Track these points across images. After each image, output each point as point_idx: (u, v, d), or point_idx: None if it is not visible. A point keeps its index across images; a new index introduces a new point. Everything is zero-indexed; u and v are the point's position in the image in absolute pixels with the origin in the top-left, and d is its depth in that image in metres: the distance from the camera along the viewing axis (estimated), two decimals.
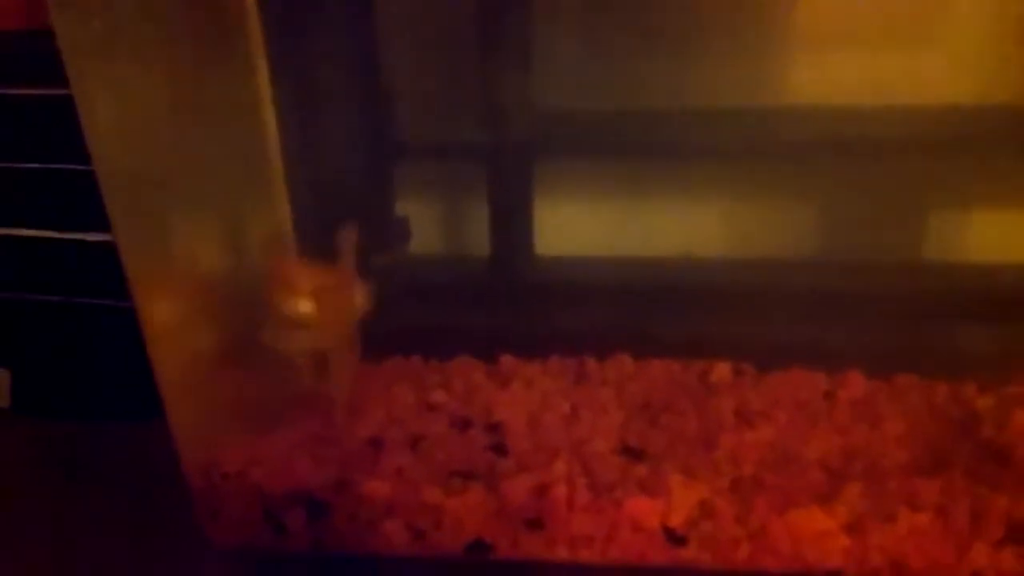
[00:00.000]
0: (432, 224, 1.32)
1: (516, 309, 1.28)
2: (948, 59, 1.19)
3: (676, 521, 0.80)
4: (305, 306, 0.84)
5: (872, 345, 1.16)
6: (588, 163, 1.30)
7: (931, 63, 1.19)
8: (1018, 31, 1.15)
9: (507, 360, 1.12)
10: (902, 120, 1.19)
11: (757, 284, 1.26)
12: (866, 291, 1.22)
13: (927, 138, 1.18)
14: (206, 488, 0.83)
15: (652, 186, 1.31)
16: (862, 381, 1.08)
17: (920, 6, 1.18)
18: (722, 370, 1.12)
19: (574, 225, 1.32)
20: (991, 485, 0.86)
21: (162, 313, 0.82)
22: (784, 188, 1.28)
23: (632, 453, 0.92)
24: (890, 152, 1.19)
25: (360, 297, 0.90)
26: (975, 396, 1.02)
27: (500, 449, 0.88)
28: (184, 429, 0.82)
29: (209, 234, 0.96)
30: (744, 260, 1.30)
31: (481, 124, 1.23)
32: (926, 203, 1.26)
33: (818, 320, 1.18)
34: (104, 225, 0.81)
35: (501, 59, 1.21)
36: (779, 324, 1.20)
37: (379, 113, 1.23)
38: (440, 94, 1.26)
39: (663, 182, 1.31)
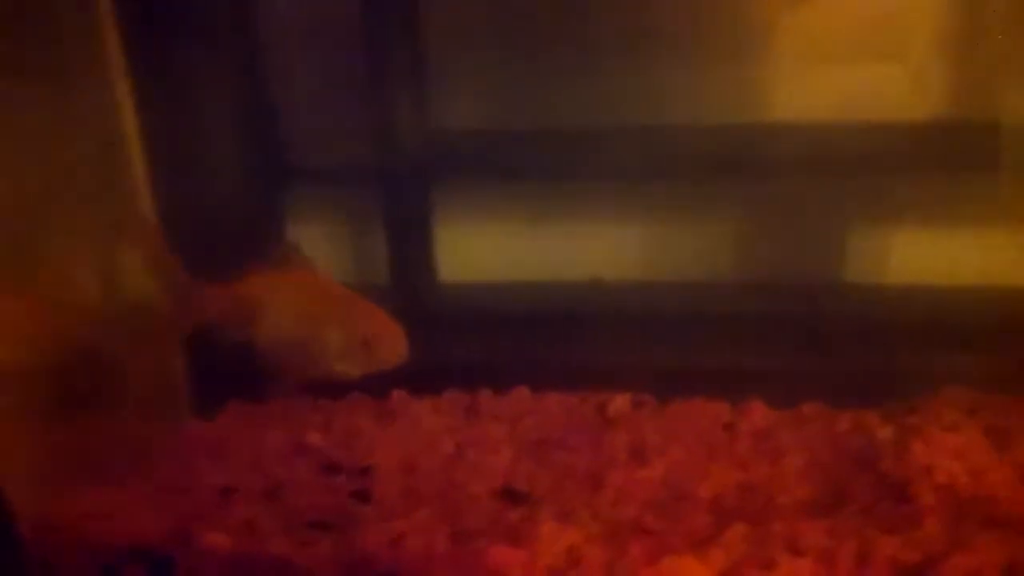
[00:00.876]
0: (327, 252, 1.26)
1: (415, 340, 1.23)
2: (860, 74, 1.16)
3: (538, 571, 0.74)
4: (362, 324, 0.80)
5: (783, 371, 1.12)
6: (491, 186, 1.25)
7: (847, 78, 1.16)
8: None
9: (398, 396, 1.07)
10: (816, 138, 1.15)
11: (668, 308, 1.21)
12: (778, 314, 1.18)
13: (842, 155, 1.14)
14: (38, 542, 0.77)
15: (559, 209, 1.26)
16: (764, 411, 1.04)
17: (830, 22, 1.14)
18: (620, 402, 1.07)
19: (477, 251, 1.27)
20: (883, 525, 0.82)
21: None
22: (694, 208, 1.24)
23: (512, 496, 0.87)
24: (803, 170, 1.16)
25: None
26: (877, 425, 0.98)
27: (364, 496, 0.83)
28: (13, 480, 0.75)
29: (53, 273, 0.90)
30: (656, 283, 1.26)
31: (376, 146, 1.18)
32: (841, 223, 1.22)
33: (728, 345, 1.14)
34: None
35: (395, 77, 1.16)
36: (689, 350, 1.16)
37: (264, 135, 1.17)
38: (331, 114, 1.20)
39: (570, 204, 1.27)
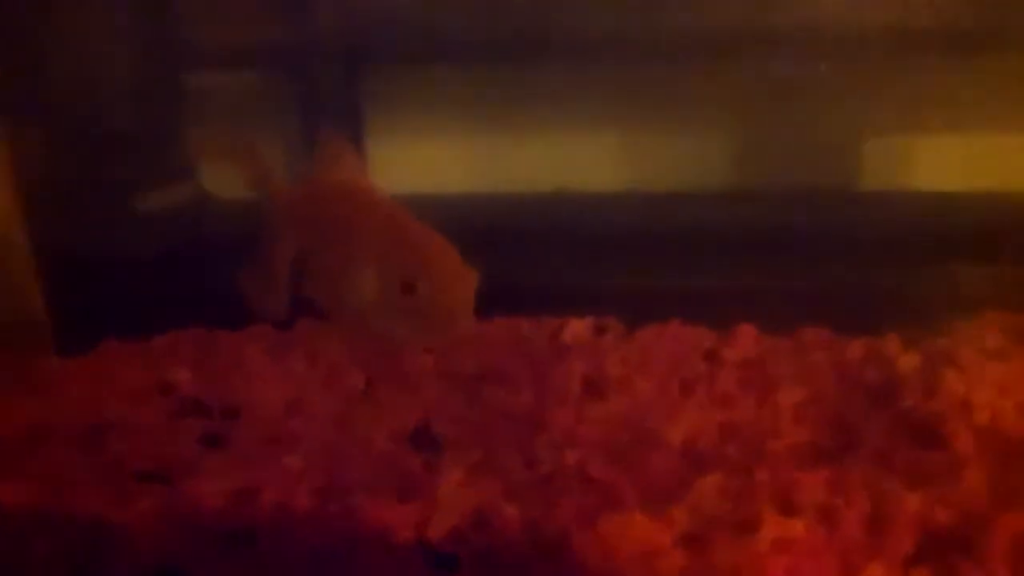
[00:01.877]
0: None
1: None
2: None
3: (438, 534, 0.55)
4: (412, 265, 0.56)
5: (780, 291, 0.91)
6: (429, 72, 1.04)
7: None
8: None
9: (304, 326, 0.87)
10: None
11: (641, 223, 1.00)
12: (773, 227, 0.97)
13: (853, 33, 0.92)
14: None
15: (517, 104, 1.05)
16: (755, 337, 0.84)
17: None
18: (579, 328, 0.87)
19: (415, 156, 1.06)
20: (907, 477, 0.61)
21: None
22: (682, 104, 1.03)
23: (422, 441, 0.67)
24: (808, 50, 0.94)
25: None
26: (897, 353, 0.77)
27: (215, 441, 0.63)
28: None
29: None
30: (628, 194, 1.05)
31: (289, 23, 0.98)
32: (841, 125, 1.01)
33: (713, 263, 0.94)
34: None
35: None
36: (666, 269, 0.95)
37: (148, 8, 0.96)
38: None
39: (531, 99, 1.05)
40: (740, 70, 0.99)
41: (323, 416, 0.69)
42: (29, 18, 0.87)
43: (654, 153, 1.04)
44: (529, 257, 0.97)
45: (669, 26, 0.97)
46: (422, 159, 1.05)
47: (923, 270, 0.90)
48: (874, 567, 0.54)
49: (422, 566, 0.55)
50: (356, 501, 0.55)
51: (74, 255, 0.84)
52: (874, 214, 0.97)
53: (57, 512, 0.57)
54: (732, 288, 0.93)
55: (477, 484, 0.59)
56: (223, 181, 1.04)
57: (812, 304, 0.89)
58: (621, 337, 0.86)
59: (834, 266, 0.92)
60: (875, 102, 1.00)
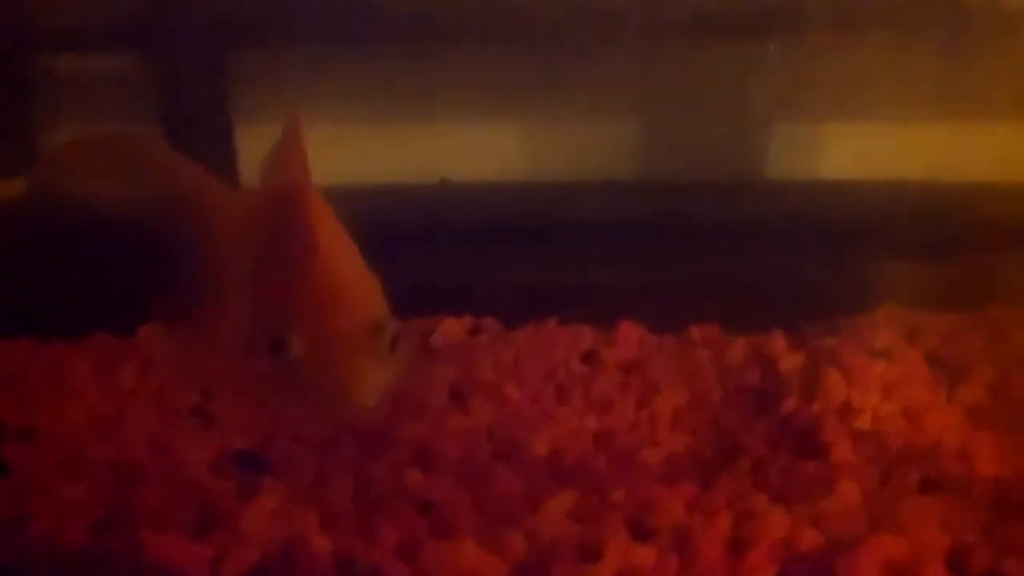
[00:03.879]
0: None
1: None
2: None
3: (234, 572, 0.47)
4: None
5: (667, 287, 0.85)
6: (303, 56, 0.96)
7: None
8: None
9: (145, 331, 0.78)
10: None
11: (520, 215, 0.94)
12: (668, 218, 0.91)
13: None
14: None
15: (397, 88, 0.97)
16: (639, 336, 0.78)
17: None
18: (451, 328, 0.80)
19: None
20: (778, 490, 0.56)
21: None
22: (571, 90, 0.96)
23: (249, 466, 0.59)
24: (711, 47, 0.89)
25: None
26: (781, 353, 0.72)
27: None
28: None
29: None
30: (508, 185, 0.98)
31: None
32: (733, 113, 0.95)
33: (598, 258, 0.87)
34: None
35: None
36: (552, 264, 0.89)
37: None
38: None
39: (412, 83, 0.97)
40: (635, 58, 0.93)
41: (135, 438, 0.61)
42: None
43: (536, 143, 0.97)
44: (407, 253, 0.90)
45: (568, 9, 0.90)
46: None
47: (820, 263, 0.85)
48: None
49: None
50: (139, 536, 0.48)
51: None
52: (770, 205, 0.92)
53: None
54: (621, 284, 0.87)
55: (292, 513, 0.51)
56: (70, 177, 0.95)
57: (705, 300, 0.84)
58: (496, 338, 0.80)
59: (727, 260, 0.86)
60: (769, 89, 0.95)
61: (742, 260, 0.87)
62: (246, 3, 0.93)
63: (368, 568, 0.48)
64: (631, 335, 0.78)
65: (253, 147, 0.95)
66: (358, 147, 1.00)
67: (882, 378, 0.65)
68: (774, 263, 0.87)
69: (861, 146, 0.95)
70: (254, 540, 0.49)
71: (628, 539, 0.50)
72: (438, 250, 0.90)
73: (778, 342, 0.74)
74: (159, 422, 0.63)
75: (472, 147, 0.98)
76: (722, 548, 0.50)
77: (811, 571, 0.49)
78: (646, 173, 0.98)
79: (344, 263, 0.45)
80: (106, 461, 0.56)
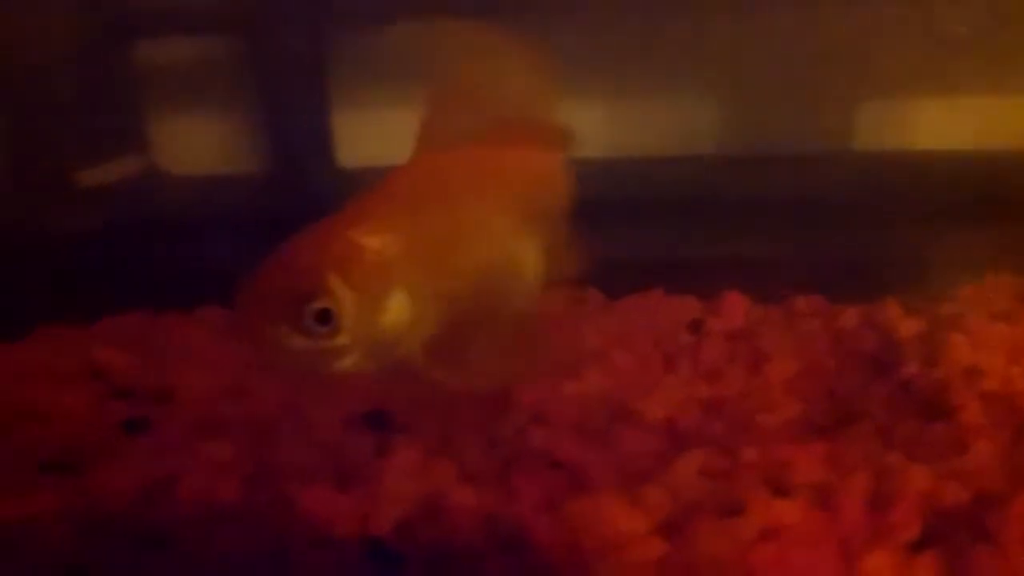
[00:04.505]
0: (188, 129, 0.98)
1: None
2: None
3: (383, 528, 0.48)
4: None
5: (770, 258, 0.85)
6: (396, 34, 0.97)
7: None
8: None
9: None
10: None
11: (621, 188, 0.93)
12: (765, 191, 0.90)
13: None
14: None
15: None
16: (744, 306, 0.77)
17: None
18: (553, 298, 0.80)
19: (386, 126, 0.99)
20: (910, 450, 0.55)
21: None
22: (660, 65, 0.96)
23: (375, 422, 0.60)
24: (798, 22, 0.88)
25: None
26: (897, 320, 0.71)
27: (139, 425, 0.56)
28: None
29: None
30: (606, 160, 0.98)
31: None
32: (835, 86, 0.94)
33: (701, 231, 0.87)
34: None
35: None
36: (646, 237, 0.88)
37: None
38: None
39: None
40: (729, 29, 0.93)
41: (266, 400, 0.62)
42: None
43: (640, 119, 0.97)
44: None
45: None
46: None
47: (922, 233, 0.83)
48: (876, 555, 0.48)
49: (363, 564, 0.48)
50: (289, 490, 0.49)
51: (11, 234, 0.78)
52: (870, 176, 0.91)
53: None
54: (720, 256, 0.86)
55: (430, 469, 0.52)
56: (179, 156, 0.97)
57: (805, 272, 0.83)
58: (600, 307, 0.80)
59: (828, 232, 0.85)
60: (864, 62, 0.93)
61: (840, 233, 0.86)
62: None
63: (513, 521, 0.48)
64: (737, 305, 0.77)
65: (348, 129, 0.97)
66: None
67: (1007, 341, 0.64)
68: (872, 235, 0.86)
69: (955, 117, 0.94)
70: (396, 495, 0.50)
71: (768, 495, 0.50)
72: None
73: (892, 310, 0.72)
74: (286, 386, 0.64)
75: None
76: (864, 503, 0.50)
77: (957, 526, 0.48)
78: (741, 148, 0.97)
79: None
80: (242, 421, 0.57)
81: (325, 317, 0.38)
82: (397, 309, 0.40)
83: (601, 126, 1.00)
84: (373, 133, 0.98)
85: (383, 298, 0.39)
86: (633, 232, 0.88)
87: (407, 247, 0.40)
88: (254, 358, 0.43)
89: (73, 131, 0.90)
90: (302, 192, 0.98)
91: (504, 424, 0.61)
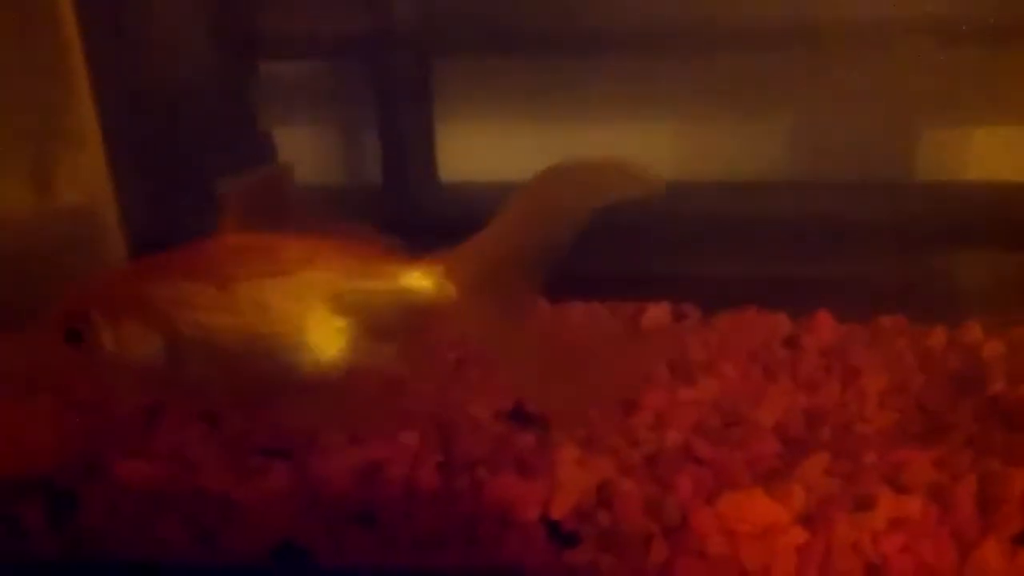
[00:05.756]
0: (306, 142, 1.06)
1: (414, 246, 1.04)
2: None
3: (562, 512, 0.56)
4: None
5: (851, 280, 0.92)
6: (504, 62, 1.05)
7: None
8: None
9: None
10: None
11: (713, 210, 1.01)
12: (847, 215, 0.97)
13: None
14: None
15: (583, 92, 1.06)
16: (832, 324, 0.85)
17: None
18: (657, 313, 0.88)
19: (488, 144, 1.07)
20: (1005, 458, 0.62)
21: None
22: (749, 92, 1.03)
23: (522, 418, 0.68)
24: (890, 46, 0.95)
25: None
26: (981, 341, 0.78)
27: None
28: None
29: None
30: (697, 183, 1.06)
31: (365, 14, 0.98)
32: (922, 112, 1.01)
33: (787, 252, 0.95)
34: None
35: None
36: (738, 257, 0.96)
37: (231, 3, 0.97)
38: None
39: (597, 88, 1.06)
40: (803, 62, 1.00)
41: (421, 392, 0.70)
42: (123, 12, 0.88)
43: (724, 142, 1.04)
44: (601, 244, 0.98)
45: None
46: (498, 149, 1.06)
47: (994, 259, 0.91)
48: (986, 545, 0.55)
49: (546, 543, 0.56)
50: (481, 477, 0.57)
51: (165, 240, 0.86)
52: (939, 204, 0.98)
53: (182, 488, 0.58)
54: (801, 277, 0.93)
55: (592, 462, 0.60)
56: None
57: (880, 293, 0.90)
58: (699, 323, 0.88)
59: (905, 256, 0.92)
60: (939, 92, 1.00)
61: (912, 257, 0.94)
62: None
63: (678, 508, 0.56)
64: (827, 323, 0.85)
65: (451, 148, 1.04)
66: (546, 146, 1.08)
67: None
68: (947, 260, 0.93)
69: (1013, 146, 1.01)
70: (571, 484, 0.58)
71: (892, 492, 0.58)
72: (636, 242, 0.98)
73: (975, 331, 0.80)
74: (438, 381, 0.71)
75: (657, 146, 1.06)
76: (976, 499, 0.57)
77: None
78: (815, 173, 1.04)
79: None
80: (414, 413, 0.65)
81: (80, 337, 0.46)
82: (144, 343, 0.47)
83: (683, 150, 1.08)
84: (471, 150, 1.07)
85: (132, 331, 0.46)
86: (723, 253, 0.95)
87: (168, 297, 0.47)
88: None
89: (212, 143, 0.98)
90: (406, 202, 1.06)
91: (637, 424, 0.69)
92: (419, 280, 0.48)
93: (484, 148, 1.09)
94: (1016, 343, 0.76)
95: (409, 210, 1.05)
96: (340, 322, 0.48)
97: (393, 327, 0.48)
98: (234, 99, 0.99)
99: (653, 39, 0.99)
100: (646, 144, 1.08)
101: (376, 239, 0.49)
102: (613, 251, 0.97)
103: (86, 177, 0.91)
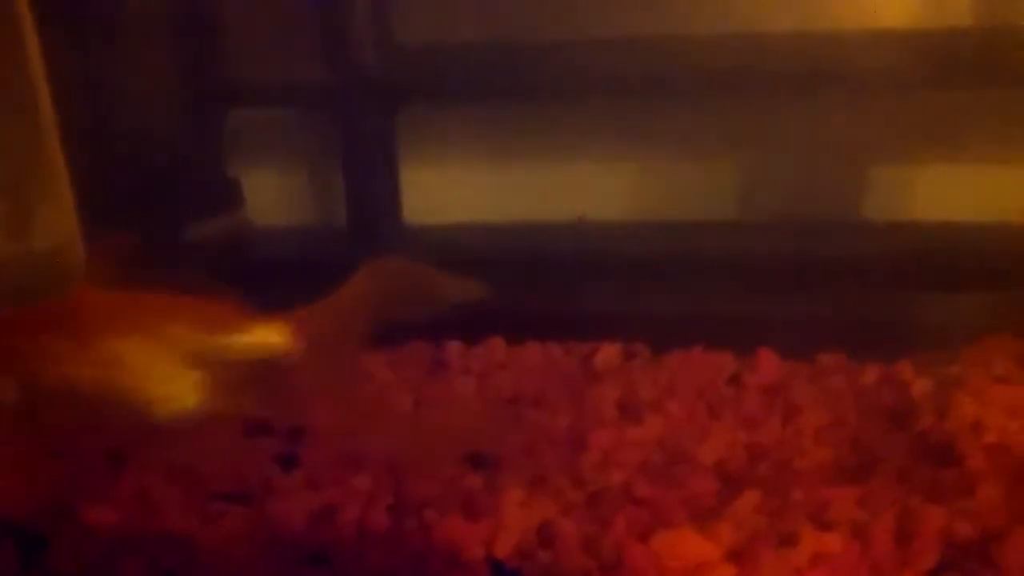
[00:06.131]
0: (273, 187, 1.10)
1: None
2: None
3: (504, 551, 0.59)
4: None
5: (793, 319, 0.97)
6: (461, 109, 1.09)
7: None
8: None
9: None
10: (831, 49, 0.99)
11: (661, 251, 1.06)
12: (788, 255, 1.02)
13: (860, 69, 0.98)
14: None
15: (539, 137, 1.10)
16: (775, 362, 0.89)
17: None
18: (609, 353, 0.92)
19: (447, 186, 1.11)
20: (926, 492, 0.67)
21: None
22: (698, 135, 1.08)
23: (475, 460, 0.72)
24: (816, 88, 1.00)
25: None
26: (911, 378, 0.83)
27: (289, 461, 0.67)
28: None
29: None
30: (647, 223, 1.10)
31: (329, 60, 1.02)
32: (860, 150, 1.07)
33: (731, 291, 0.99)
34: None
35: None
36: (684, 296, 1.00)
37: (196, 47, 1.01)
38: (278, 27, 1.04)
39: (553, 132, 1.10)
40: (754, 105, 1.05)
41: (381, 436, 0.73)
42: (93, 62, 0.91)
43: (672, 183, 1.09)
44: (557, 284, 1.03)
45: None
46: (457, 191, 1.11)
47: (928, 297, 0.96)
48: None
49: None
50: (429, 518, 0.60)
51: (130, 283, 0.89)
52: (881, 243, 1.03)
53: (145, 532, 0.61)
54: (749, 314, 0.98)
55: (535, 502, 0.64)
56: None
57: (824, 330, 0.94)
58: (649, 362, 0.91)
59: (845, 293, 0.97)
60: (878, 132, 1.06)
61: (856, 295, 0.98)
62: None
63: (614, 547, 0.59)
64: (769, 361, 0.89)
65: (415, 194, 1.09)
66: (504, 188, 1.13)
67: (1005, 399, 0.76)
68: (885, 298, 0.98)
69: (962, 187, 1.06)
70: (513, 524, 0.61)
71: (815, 529, 0.62)
72: (587, 282, 1.02)
73: (906, 369, 0.84)
74: (393, 423, 0.75)
75: (610, 187, 1.11)
76: (892, 537, 0.61)
77: (968, 557, 0.60)
78: (759, 213, 1.09)
79: None
80: (369, 457, 0.68)
81: None
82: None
83: (635, 191, 1.12)
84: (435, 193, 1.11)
85: None
86: (674, 291, 1.00)
87: (30, 350, 0.50)
88: None
89: (180, 191, 1.02)
90: (371, 244, 1.10)
91: (584, 464, 0.72)
92: (269, 335, 0.51)
93: (447, 191, 1.13)
94: (943, 380, 0.81)
95: (373, 252, 1.08)
96: (195, 375, 0.50)
97: (246, 379, 0.51)
98: (202, 147, 1.03)
99: (611, 86, 1.04)
100: (603, 185, 1.12)
101: (229, 298, 0.52)
102: (569, 291, 1.02)
103: (55, 224, 0.94)
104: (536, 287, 1.02)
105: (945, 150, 1.05)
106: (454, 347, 0.94)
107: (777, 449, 0.77)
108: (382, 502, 0.62)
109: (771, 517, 0.63)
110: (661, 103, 1.06)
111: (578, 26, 1.03)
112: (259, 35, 1.04)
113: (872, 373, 0.86)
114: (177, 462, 0.54)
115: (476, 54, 1.03)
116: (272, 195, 1.09)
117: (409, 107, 1.06)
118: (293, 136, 1.09)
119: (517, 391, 0.86)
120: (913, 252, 1.01)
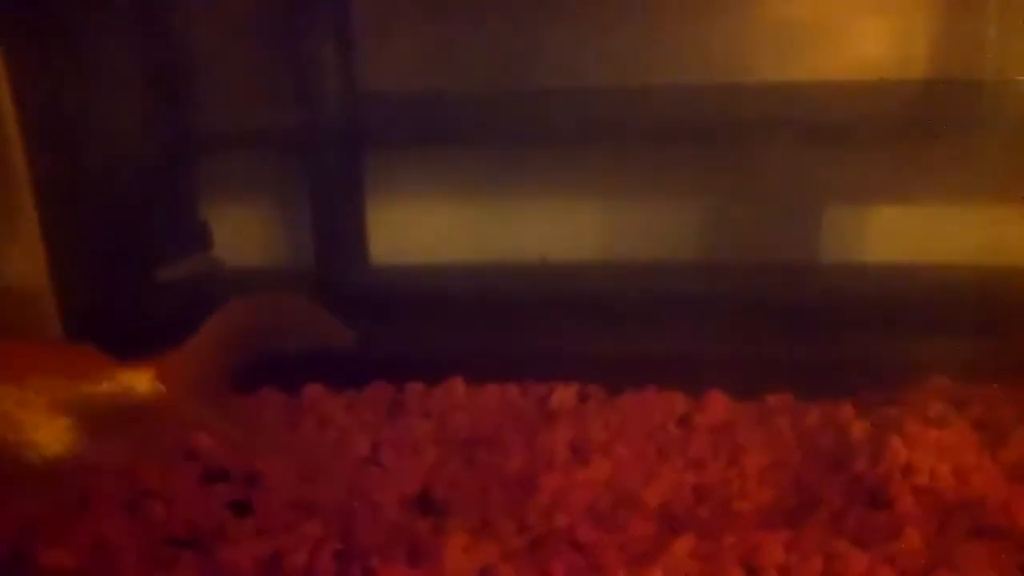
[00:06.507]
0: (241, 230, 1.13)
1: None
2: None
3: None
4: None
5: (746, 358, 1.00)
6: (425, 154, 1.12)
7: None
8: None
9: (312, 392, 0.94)
10: (788, 99, 1.03)
11: (620, 292, 1.09)
12: (742, 297, 1.05)
13: (817, 120, 1.01)
14: None
15: (502, 181, 1.14)
16: (725, 403, 0.92)
17: None
18: (564, 395, 0.95)
19: (411, 229, 1.14)
20: (856, 536, 0.70)
21: None
22: (654, 181, 1.12)
23: (427, 505, 0.75)
24: (772, 136, 1.03)
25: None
26: (851, 419, 0.86)
27: (243, 507, 0.70)
28: None
29: None
30: (607, 264, 1.13)
31: (297, 108, 1.06)
32: (810, 196, 1.10)
33: (687, 332, 1.02)
34: None
35: (318, 31, 1.04)
36: (641, 337, 1.03)
37: (168, 96, 1.04)
38: (246, 73, 1.07)
39: (515, 176, 1.14)
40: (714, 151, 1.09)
41: (333, 481, 0.76)
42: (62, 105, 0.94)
43: (626, 225, 1.12)
44: (519, 324, 1.05)
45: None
46: (420, 233, 1.14)
47: (876, 337, 0.99)
48: None
49: None
50: (374, 564, 0.63)
51: (101, 327, 0.91)
52: (830, 286, 1.06)
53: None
54: (704, 354, 1.01)
55: (478, 548, 0.66)
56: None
57: (776, 370, 0.98)
58: (603, 403, 0.94)
59: (795, 334, 1.00)
60: (830, 178, 1.09)
61: (804, 336, 1.01)
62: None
63: None
64: (718, 402, 0.92)
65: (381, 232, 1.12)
66: (467, 228, 1.16)
67: (936, 443, 0.79)
68: (832, 340, 1.01)
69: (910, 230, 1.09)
70: (455, 571, 0.64)
71: (743, 573, 0.64)
72: (546, 322, 1.05)
73: (846, 410, 0.87)
74: (348, 468, 0.78)
75: (571, 229, 1.14)
76: None
77: None
78: (713, 253, 1.12)
79: None
80: (322, 503, 0.71)
81: None
82: None
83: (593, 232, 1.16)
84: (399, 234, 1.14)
85: None
86: (630, 330, 1.03)
87: None
88: None
89: (148, 232, 1.04)
90: (337, 284, 1.13)
91: (531, 507, 0.75)
92: (132, 382, 0.54)
93: (413, 231, 1.16)
94: (881, 422, 0.84)
95: (340, 292, 1.12)
96: (63, 422, 0.52)
97: (115, 424, 0.53)
98: (170, 188, 1.06)
99: (573, 135, 1.07)
100: (565, 227, 1.15)
101: (90, 349, 0.55)
102: (531, 331, 1.05)
103: (22, 264, 0.96)
104: (498, 327, 1.05)
105: (894, 195, 1.09)
106: (415, 388, 0.96)
107: (720, 490, 0.80)
108: (329, 548, 0.65)
109: (703, 562, 0.66)
110: (621, 149, 1.09)
111: (540, 77, 1.07)
112: (229, 81, 1.07)
113: (815, 414, 0.89)
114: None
115: (441, 101, 1.07)
116: (240, 237, 1.12)
117: (374, 151, 1.10)
118: (262, 179, 1.12)
119: (473, 433, 0.89)
120: (862, 295, 1.04)
